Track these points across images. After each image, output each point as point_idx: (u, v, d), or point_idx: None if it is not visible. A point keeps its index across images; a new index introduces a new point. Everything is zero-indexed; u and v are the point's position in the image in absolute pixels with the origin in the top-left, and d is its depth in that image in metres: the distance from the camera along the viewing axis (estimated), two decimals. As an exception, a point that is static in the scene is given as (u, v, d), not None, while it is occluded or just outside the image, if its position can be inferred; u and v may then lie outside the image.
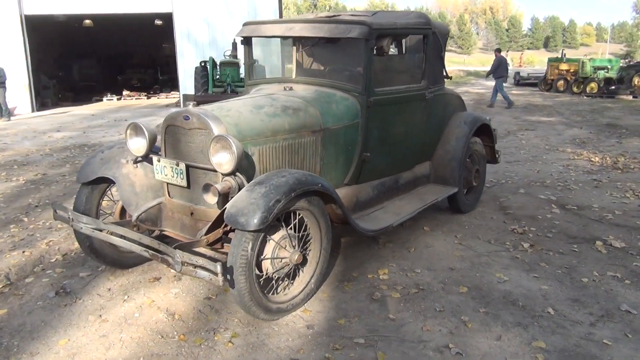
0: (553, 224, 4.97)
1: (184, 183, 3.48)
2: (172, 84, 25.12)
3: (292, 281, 3.42)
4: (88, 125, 13.38)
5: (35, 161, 8.54)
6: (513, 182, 6.57)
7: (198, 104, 3.58)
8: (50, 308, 3.47)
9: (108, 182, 3.87)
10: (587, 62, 21.27)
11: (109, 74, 26.63)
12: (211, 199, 3.16)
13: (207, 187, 3.17)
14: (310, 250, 3.46)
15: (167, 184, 3.65)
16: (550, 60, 24.39)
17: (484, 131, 5.34)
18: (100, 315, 3.36)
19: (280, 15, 18.25)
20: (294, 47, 4.35)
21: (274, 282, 3.29)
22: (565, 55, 25.28)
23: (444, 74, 4.93)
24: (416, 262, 4.13)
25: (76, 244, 4.55)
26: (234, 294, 3.05)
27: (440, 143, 4.99)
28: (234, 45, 15.13)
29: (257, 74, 4.93)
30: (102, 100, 21.46)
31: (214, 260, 2.90)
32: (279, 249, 3.20)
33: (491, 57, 22.31)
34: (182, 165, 3.45)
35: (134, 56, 28.36)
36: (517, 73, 30.16)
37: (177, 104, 18.31)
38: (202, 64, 15.34)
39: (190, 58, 17.80)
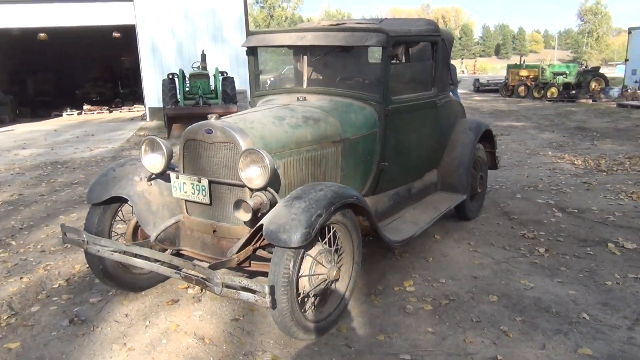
0: (560, 227, 5.00)
1: (206, 200, 3.32)
2: (134, 97, 24.57)
3: (325, 298, 3.30)
4: (54, 142, 12.86)
5: (6, 181, 8.10)
6: (507, 188, 6.61)
7: (220, 116, 3.43)
8: (67, 338, 3.23)
9: (120, 201, 3.67)
10: (547, 68, 21.98)
11: (66, 88, 25.78)
12: (243, 215, 3.02)
13: (238, 204, 3.02)
14: (342, 265, 3.34)
15: (186, 201, 3.48)
16: (510, 66, 25.01)
17: (485, 137, 5.35)
18: (125, 344, 3.15)
19: (247, 25, 18.08)
20: (304, 57, 4.24)
21: (309, 300, 3.16)
22: (524, 62, 26.00)
23: (450, 80, 4.92)
24: (438, 272, 4.06)
25: (77, 267, 4.33)
26: (275, 315, 2.90)
27: (446, 150, 4.97)
28: (203, 56, 14.84)
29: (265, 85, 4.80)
30: (61, 115, 20.70)
31: (252, 278, 2.76)
32: (315, 265, 3.08)
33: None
34: (205, 182, 3.29)
35: (92, 70, 27.58)
36: (477, 80, 30.84)
37: (142, 117, 17.86)
38: (170, 77, 15.01)
39: (155, 70, 17.42)
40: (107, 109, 22.08)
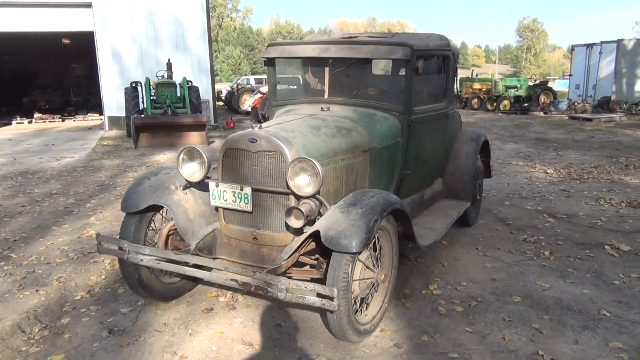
0: (556, 232, 5.30)
1: (248, 208, 3.36)
2: (87, 105, 23.90)
3: (368, 302, 3.40)
4: (13, 151, 12.35)
5: (-21, 192, 7.78)
6: (493, 195, 6.92)
7: (260, 125, 3.48)
8: (112, 349, 3.20)
9: (155, 210, 3.66)
10: (499, 82, 22.94)
11: (12, 96, 24.75)
12: (295, 222, 3.09)
13: (290, 211, 3.09)
14: (382, 269, 3.46)
15: (224, 209, 3.51)
16: (463, 79, 25.89)
17: (482, 147, 5.60)
18: (175, 352, 3.15)
19: (209, 33, 17.97)
20: (326, 68, 4.35)
21: (356, 304, 3.26)
22: (476, 75, 27.00)
23: (456, 93, 5.16)
24: (457, 276, 4.24)
25: (94, 279, 4.27)
26: (332, 318, 2.98)
27: (450, 159, 5.18)
28: (169, 65, 14.66)
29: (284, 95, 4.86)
30: (10, 123, 19.89)
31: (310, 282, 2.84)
32: (364, 269, 3.18)
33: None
34: (248, 190, 3.33)
35: (40, 77, 26.64)
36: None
37: (101, 127, 17.40)
38: (133, 85, 14.73)
39: (115, 78, 17.04)
40: (60, 118, 21.35)
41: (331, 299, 2.75)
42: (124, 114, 15.17)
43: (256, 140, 3.33)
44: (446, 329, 3.40)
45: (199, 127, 12.84)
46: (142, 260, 3.33)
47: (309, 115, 3.93)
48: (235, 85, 27.52)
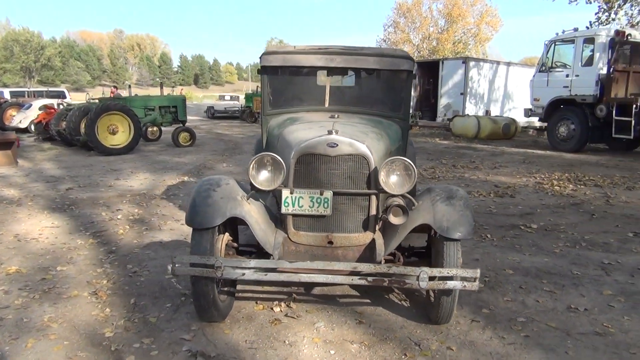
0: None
1: (328, 212, 3.43)
2: None
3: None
4: None
5: None
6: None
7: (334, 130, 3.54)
8: (232, 374, 2.96)
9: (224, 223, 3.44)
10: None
11: None
12: (399, 220, 3.31)
13: (396, 210, 3.30)
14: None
15: (293, 216, 3.50)
16: (253, 95, 26.88)
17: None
18: (296, 364, 3.07)
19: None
20: (329, 77, 4.53)
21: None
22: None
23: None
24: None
25: (96, 313, 3.72)
26: (445, 302, 3.29)
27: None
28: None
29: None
30: None
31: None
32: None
33: (149, 91, 24.07)
34: (328, 194, 3.40)
35: None
36: (211, 107, 32.25)
37: None
38: None
39: None
40: None
41: (474, 280, 3.08)
42: None
43: (337, 145, 3.42)
44: (494, 302, 3.95)
45: (4, 145, 11.11)
46: (243, 274, 3.14)
47: (335, 122, 4.08)
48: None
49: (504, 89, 22.49)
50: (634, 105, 11.86)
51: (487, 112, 20.79)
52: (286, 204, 3.43)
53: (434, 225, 3.28)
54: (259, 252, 3.66)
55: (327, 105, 4.58)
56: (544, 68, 14.28)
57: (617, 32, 12.70)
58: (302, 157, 3.44)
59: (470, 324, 3.60)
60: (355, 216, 3.51)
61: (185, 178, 9.42)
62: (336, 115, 4.30)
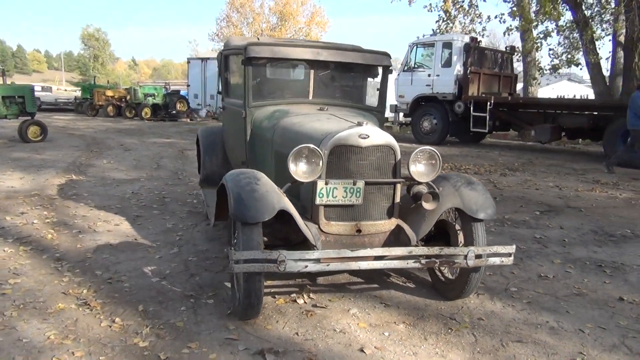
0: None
1: (359, 201, 3.57)
2: None
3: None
4: None
5: None
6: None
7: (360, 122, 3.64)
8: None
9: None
10: (139, 90, 23.16)
11: None
12: (431, 205, 3.56)
13: (427, 197, 3.55)
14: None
15: (324, 207, 3.56)
16: (92, 86, 24.93)
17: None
18: (368, 347, 3.16)
19: None
20: (312, 70, 4.56)
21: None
22: (114, 83, 26.50)
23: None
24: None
25: (114, 325, 3.43)
26: (474, 278, 3.61)
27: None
28: None
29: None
30: None
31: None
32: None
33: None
34: (361, 183, 3.53)
35: None
36: (38, 99, 29.11)
37: None
38: None
39: None
40: None
41: (509, 255, 3.44)
42: None
43: (368, 136, 3.55)
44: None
45: None
46: (306, 267, 3.12)
47: (328, 114, 4.16)
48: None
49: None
50: (488, 103, 13.51)
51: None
52: (321, 195, 3.47)
53: (464, 208, 3.57)
54: (287, 245, 3.63)
55: (311, 97, 4.63)
56: (407, 68, 15.54)
57: (472, 39, 14.37)
58: (335, 148, 3.50)
59: (477, 297, 3.97)
60: (382, 204, 3.67)
61: (73, 176, 8.58)
62: (325, 108, 4.40)
